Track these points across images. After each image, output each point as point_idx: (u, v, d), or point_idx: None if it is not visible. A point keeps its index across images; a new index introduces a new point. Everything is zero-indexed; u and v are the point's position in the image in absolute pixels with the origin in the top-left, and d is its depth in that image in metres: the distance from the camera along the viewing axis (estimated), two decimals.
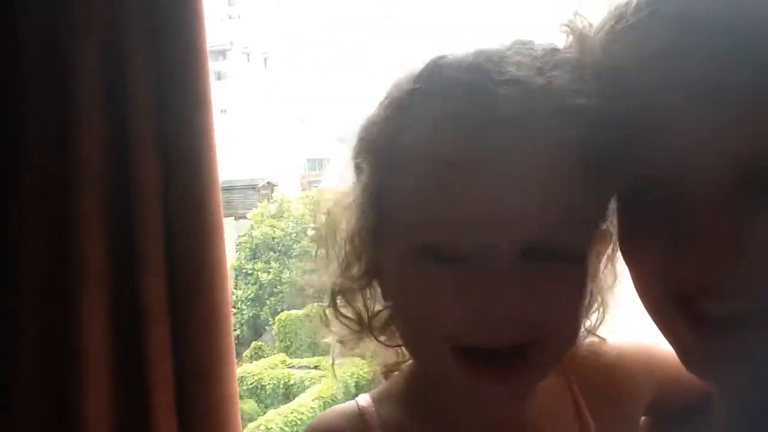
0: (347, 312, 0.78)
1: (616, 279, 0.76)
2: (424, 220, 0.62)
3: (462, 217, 0.59)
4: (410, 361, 0.77)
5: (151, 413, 1.13)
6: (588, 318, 0.76)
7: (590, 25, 0.68)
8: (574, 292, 0.64)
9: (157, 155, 1.16)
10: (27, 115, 1.20)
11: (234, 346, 1.21)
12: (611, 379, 0.77)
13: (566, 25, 0.68)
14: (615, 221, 0.71)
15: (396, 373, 0.80)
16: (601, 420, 0.73)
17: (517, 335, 0.61)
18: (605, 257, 0.74)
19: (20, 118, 1.20)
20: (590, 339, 0.79)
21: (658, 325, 0.69)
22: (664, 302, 0.65)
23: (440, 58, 0.65)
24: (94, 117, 1.17)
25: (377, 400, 0.76)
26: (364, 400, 0.76)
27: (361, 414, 0.72)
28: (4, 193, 1.20)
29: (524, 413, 0.71)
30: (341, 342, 0.79)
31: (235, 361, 1.18)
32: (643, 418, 0.83)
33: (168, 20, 1.17)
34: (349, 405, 0.77)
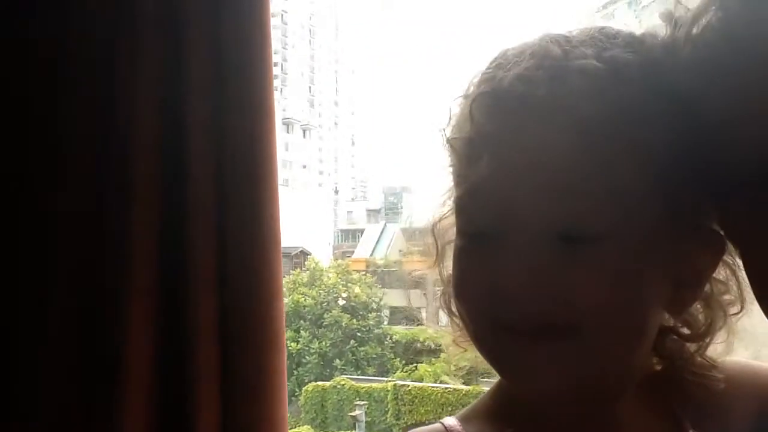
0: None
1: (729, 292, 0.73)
2: (460, 200, 0.64)
3: (491, 199, 0.61)
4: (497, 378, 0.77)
5: None
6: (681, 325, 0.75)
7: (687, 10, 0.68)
8: (616, 279, 0.62)
9: (214, 169, 1.19)
10: (72, 118, 1.24)
11: (285, 374, 1.19)
12: (718, 402, 0.74)
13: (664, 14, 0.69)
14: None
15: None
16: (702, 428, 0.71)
17: (545, 313, 0.60)
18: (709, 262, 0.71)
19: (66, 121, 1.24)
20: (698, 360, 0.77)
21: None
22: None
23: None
24: (150, 128, 1.20)
25: (463, 420, 0.74)
26: (449, 420, 0.76)
27: None
28: (51, 203, 1.23)
29: (617, 421, 0.70)
30: (455, 343, 0.79)
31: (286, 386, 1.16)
32: None
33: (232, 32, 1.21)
34: (434, 426, 0.76)
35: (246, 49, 1.22)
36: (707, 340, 0.73)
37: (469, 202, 0.63)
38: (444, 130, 0.68)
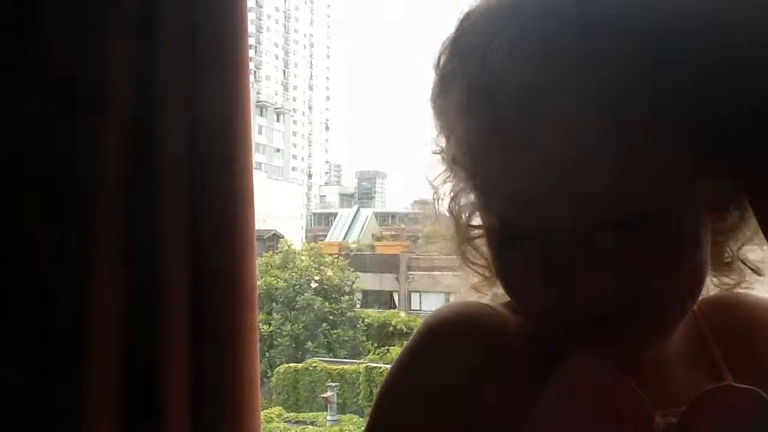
0: (476, 259, 0.74)
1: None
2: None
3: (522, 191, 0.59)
4: None
5: None
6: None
7: None
8: (666, 261, 0.61)
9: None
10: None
11: (259, 367, 1.22)
12: (750, 329, 0.73)
13: None
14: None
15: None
16: (740, 374, 0.67)
17: (599, 305, 0.59)
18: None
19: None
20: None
21: None
22: None
23: None
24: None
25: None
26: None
27: (491, 307, 0.70)
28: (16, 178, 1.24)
29: (659, 360, 0.68)
30: (475, 289, 0.76)
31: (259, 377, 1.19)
32: None
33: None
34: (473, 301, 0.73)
35: (221, 30, 1.24)
36: (743, 239, 0.69)
37: (503, 207, 0.62)
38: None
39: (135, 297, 1.20)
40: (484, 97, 0.59)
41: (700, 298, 0.70)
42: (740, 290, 0.72)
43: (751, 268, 0.72)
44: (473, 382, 0.66)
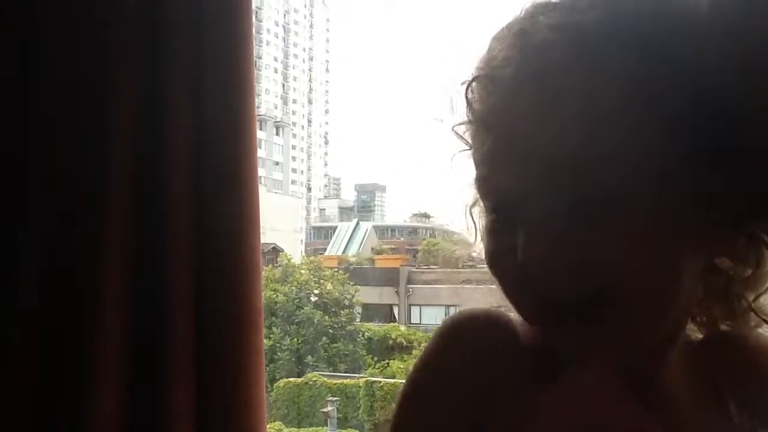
0: None
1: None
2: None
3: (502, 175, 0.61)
4: None
5: None
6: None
7: None
8: (643, 243, 0.60)
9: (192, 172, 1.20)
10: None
11: (264, 372, 1.20)
12: (756, 368, 0.72)
13: None
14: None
15: None
16: (745, 411, 0.68)
17: (576, 283, 0.59)
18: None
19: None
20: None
21: None
22: None
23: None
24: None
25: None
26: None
27: (505, 316, 0.70)
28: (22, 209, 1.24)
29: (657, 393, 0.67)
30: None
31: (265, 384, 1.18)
32: None
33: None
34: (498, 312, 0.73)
35: (227, 45, 1.24)
36: (760, 289, 0.68)
37: (484, 185, 0.64)
38: (443, 119, 0.68)
39: (140, 317, 1.19)
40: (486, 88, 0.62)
41: (706, 334, 0.71)
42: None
43: (765, 320, 0.70)
44: (492, 372, 0.67)
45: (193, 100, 1.19)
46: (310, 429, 10.20)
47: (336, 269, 13.16)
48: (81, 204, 1.19)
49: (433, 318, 11.87)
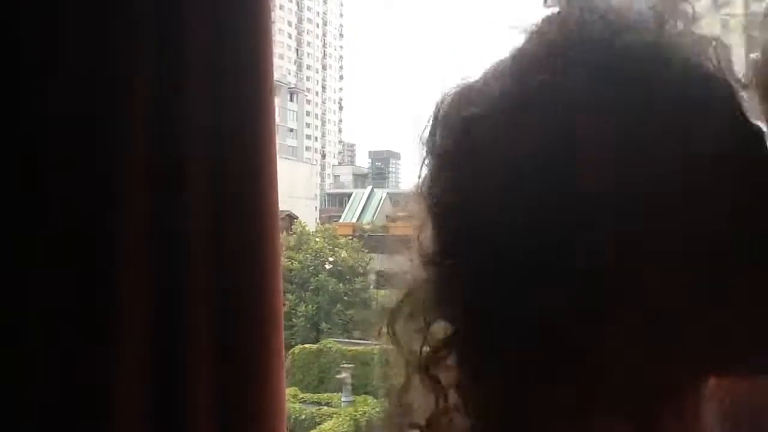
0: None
1: None
2: None
3: None
4: None
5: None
6: None
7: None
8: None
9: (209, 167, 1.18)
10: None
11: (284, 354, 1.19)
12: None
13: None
14: None
15: None
16: None
17: None
18: None
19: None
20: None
21: None
22: None
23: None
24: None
25: None
26: None
27: None
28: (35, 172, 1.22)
29: None
30: None
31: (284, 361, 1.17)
32: None
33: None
34: None
35: (244, 13, 1.21)
36: None
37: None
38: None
39: (162, 314, 1.18)
40: None
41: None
42: None
43: None
44: None
45: (212, 91, 1.17)
46: (325, 395, 10.33)
47: (350, 237, 13.19)
48: (98, 203, 1.18)
49: None
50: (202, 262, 1.17)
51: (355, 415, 9.49)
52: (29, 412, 1.20)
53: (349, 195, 22.00)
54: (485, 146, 0.55)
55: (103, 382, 1.16)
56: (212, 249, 1.19)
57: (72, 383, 1.19)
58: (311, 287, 12.36)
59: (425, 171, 0.61)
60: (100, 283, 1.19)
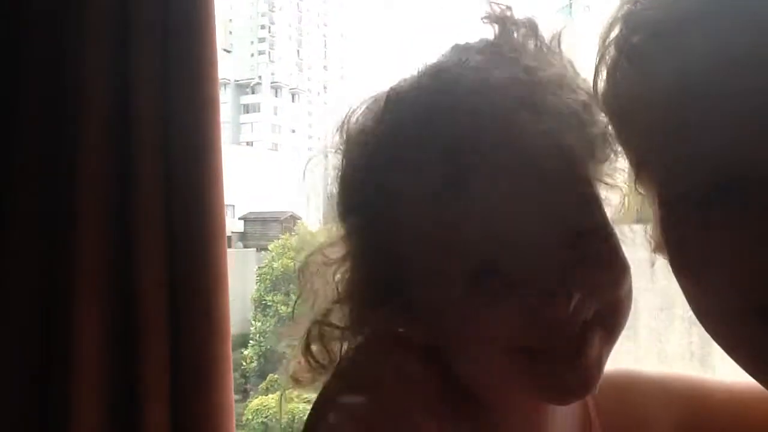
0: (319, 355, 0.79)
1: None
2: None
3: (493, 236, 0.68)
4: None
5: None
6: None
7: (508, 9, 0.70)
8: (618, 264, 0.71)
9: (160, 160, 1.19)
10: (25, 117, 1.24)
11: (231, 365, 1.22)
12: (633, 406, 0.77)
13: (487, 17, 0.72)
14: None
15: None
16: None
17: (576, 325, 0.66)
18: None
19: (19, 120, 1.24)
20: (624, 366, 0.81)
21: (728, 343, 0.63)
22: (743, 317, 0.59)
23: (396, 92, 0.72)
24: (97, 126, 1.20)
25: None
26: None
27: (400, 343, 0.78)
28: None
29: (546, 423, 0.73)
30: (296, 380, 0.80)
31: (232, 378, 1.20)
32: None
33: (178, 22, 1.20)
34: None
35: (190, 6, 1.22)
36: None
37: (467, 238, 0.65)
38: None
39: (117, 333, 1.20)
40: None
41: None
42: (633, 368, 0.77)
43: None
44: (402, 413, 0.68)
45: (161, 93, 1.19)
46: None
47: None
48: (56, 204, 1.19)
49: None
50: (155, 283, 1.19)
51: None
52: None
53: None
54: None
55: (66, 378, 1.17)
56: (165, 271, 1.21)
57: (37, 390, 1.20)
58: None
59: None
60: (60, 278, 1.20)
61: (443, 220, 0.66)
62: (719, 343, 0.63)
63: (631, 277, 0.70)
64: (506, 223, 0.64)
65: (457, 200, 0.65)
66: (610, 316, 0.66)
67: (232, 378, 1.22)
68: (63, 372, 1.17)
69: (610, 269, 0.66)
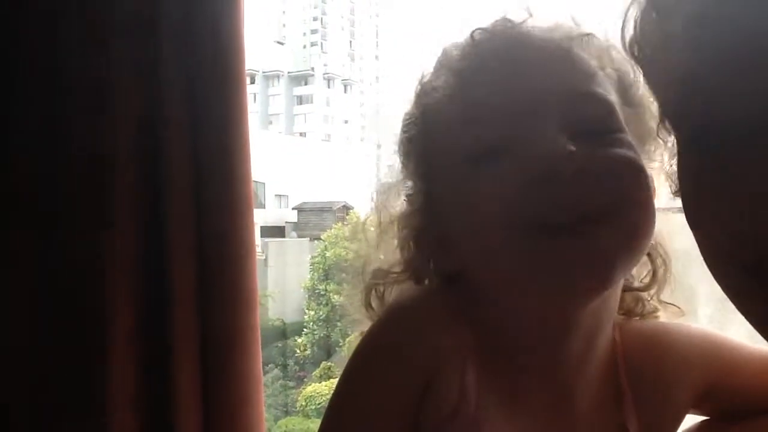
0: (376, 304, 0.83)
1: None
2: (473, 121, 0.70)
3: (507, 108, 0.67)
4: None
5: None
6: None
7: None
8: (633, 163, 0.67)
9: (189, 161, 1.23)
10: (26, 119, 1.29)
11: (259, 330, 1.26)
12: (659, 356, 0.77)
13: None
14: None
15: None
16: (639, 393, 0.73)
17: (585, 201, 0.64)
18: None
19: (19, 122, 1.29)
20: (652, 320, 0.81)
21: (733, 299, 0.61)
22: (741, 273, 0.56)
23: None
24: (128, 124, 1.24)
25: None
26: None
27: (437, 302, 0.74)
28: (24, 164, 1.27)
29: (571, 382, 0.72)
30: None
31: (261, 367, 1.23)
32: (701, 418, 0.81)
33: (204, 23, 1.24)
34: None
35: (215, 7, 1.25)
36: (653, 291, 0.76)
37: (473, 121, 0.70)
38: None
39: (148, 303, 1.25)
40: None
41: (624, 323, 0.79)
42: (662, 320, 0.77)
43: (671, 303, 0.79)
44: (427, 372, 0.68)
45: (190, 94, 1.22)
46: None
47: None
48: (84, 202, 1.23)
49: None
50: (186, 251, 1.23)
51: None
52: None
53: None
54: None
55: (97, 372, 1.22)
56: (194, 241, 1.24)
57: (63, 376, 1.25)
58: None
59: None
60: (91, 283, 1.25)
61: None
62: (724, 292, 0.61)
63: (649, 190, 0.68)
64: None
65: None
66: (617, 215, 0.63)
67: (260, 349, 1.26)
68: (100, 344, 1.22)
69: (618, 164, 0.66)
